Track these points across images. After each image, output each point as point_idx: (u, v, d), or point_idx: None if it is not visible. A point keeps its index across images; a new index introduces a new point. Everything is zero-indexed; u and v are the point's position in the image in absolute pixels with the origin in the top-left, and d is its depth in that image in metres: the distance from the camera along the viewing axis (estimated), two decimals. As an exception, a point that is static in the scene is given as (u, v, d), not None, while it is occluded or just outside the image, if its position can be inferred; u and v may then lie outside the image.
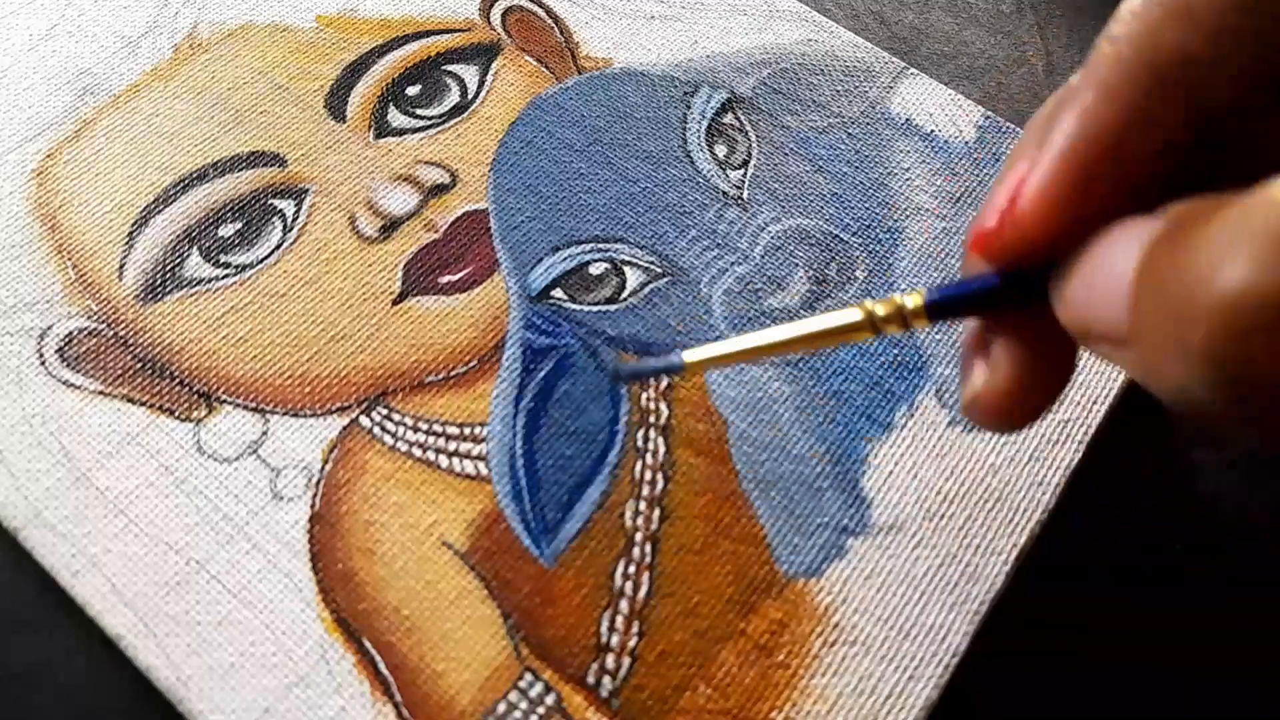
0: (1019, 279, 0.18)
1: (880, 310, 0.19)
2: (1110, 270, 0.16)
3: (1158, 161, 0.17)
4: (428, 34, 0.34)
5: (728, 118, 0.33)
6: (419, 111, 0.32)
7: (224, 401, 0.27)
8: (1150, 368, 0.15)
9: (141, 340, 0.28)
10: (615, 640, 0.24)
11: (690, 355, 0.22)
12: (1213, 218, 0.14)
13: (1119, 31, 0.17)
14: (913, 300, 0.19)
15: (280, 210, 0.30)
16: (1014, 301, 0.19)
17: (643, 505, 0.26)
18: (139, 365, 0.28)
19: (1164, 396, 0.16)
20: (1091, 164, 0.17)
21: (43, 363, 0.28)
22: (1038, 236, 0.17)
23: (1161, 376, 0.15)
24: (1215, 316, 0.13)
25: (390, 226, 0.30)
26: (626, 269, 0.30)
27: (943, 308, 0.19)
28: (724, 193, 0.31)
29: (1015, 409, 0.19)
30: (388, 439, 0.27)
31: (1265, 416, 0.14)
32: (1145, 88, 0.17)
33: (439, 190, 0.31)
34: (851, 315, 0.20)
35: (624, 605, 0.25)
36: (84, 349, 0.28)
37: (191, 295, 0.29)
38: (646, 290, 0.29)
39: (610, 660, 0.24)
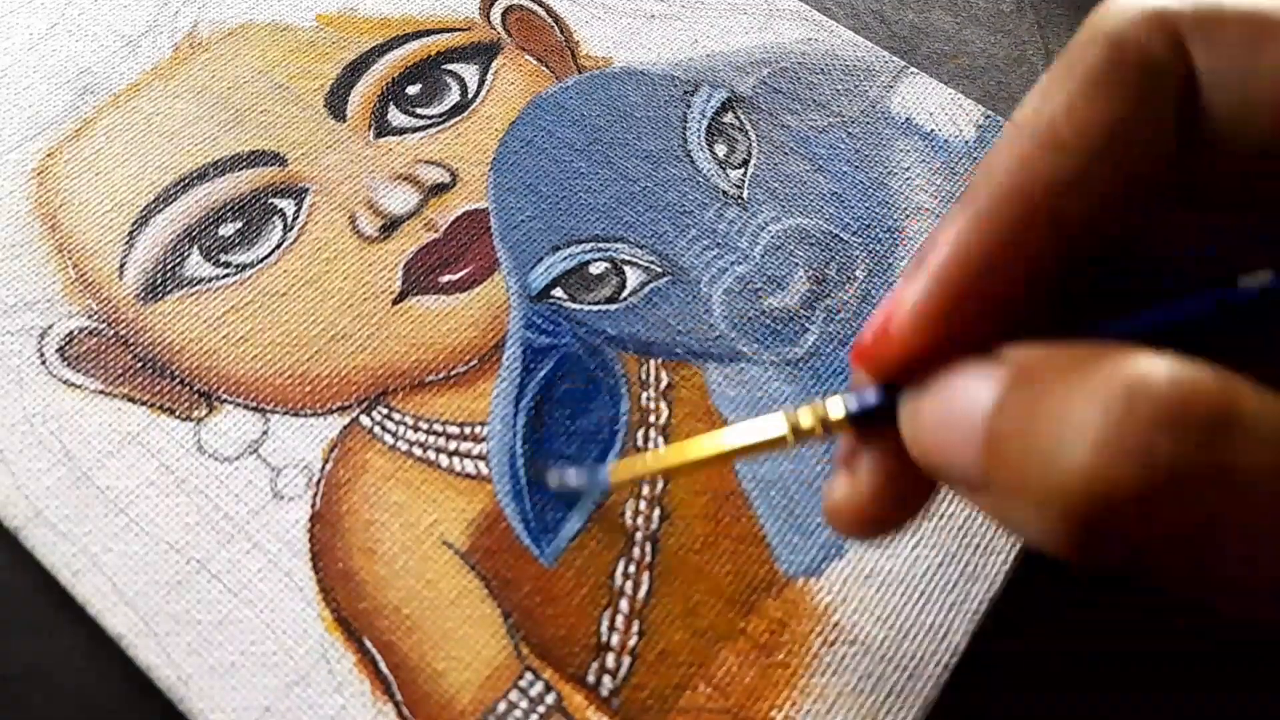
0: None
1: (803, 421, 0.20)
2: (962, 417, 0.17)
3: (1030, 285, 0.18)
4: (428, 33, 0.34)
5: (728, 117, 0.33)
6: (419, 111, 0.32)
7: (224, 401, 0.27)
8: (1005, 517, 0.16)
9: (142, 339, 0.28)
10: (615, 639, 0.24)
11: (615, 474, 0.23)
12: (1058, 382, 0.15)
13: (992, 160, 0.18)
14: (836, 410, 0.19)
15: (280, 209, 0.30)
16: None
17: (643, 505, 0.26)
18: (139, 364, 0.28)
19: (1018, 536, 0.17)
20: (960, 288, 0.18)
21: (43, 362, 0.28)
22: (908, 356, 0.18)
23: (1017, 525, 0.16)
24: (1067, 498, 0.14)
25: (390, 226, 0.30)
26: (626, 268, 0.30)
27: (860, 419, 0.19)
28: (724, 192, 0.31)
29: (869, 522, 0.20)
30: (388, 438, 0.27)
31: (1126, 570, 0.15)
32: (1014, 215, 0.17)
33: (439, 189, 0.31)
34: (775, 429, 0.20)
35: (624, 605, 0.25)
36: (84, 348, 0.28)
37: (192, 294, 0.29)
38: (646, 290, 0.29)
39: (610, 659, 0.24)
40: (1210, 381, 0.14)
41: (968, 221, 0.18)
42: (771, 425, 0.20)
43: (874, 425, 0.19)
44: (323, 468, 0.26)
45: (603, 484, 0.24)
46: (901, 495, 0.20)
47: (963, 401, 0.17)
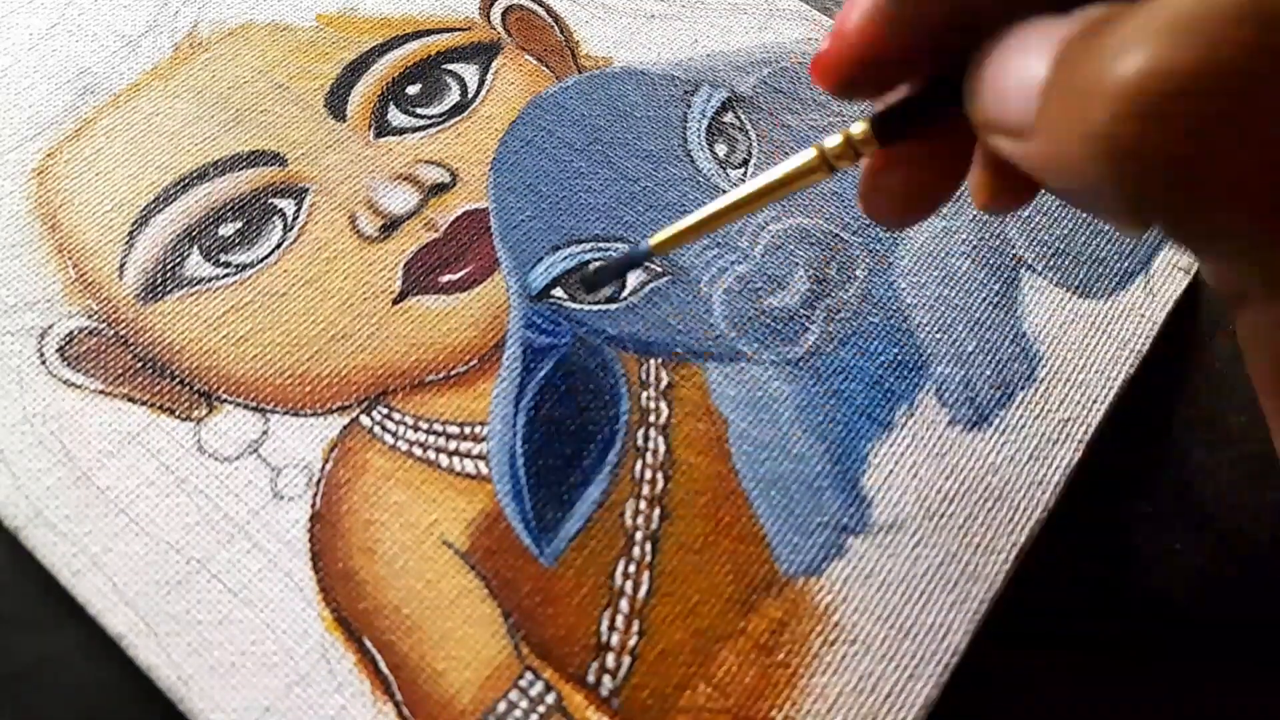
0: (942, 84, 0.19)
1: (830, 144, 0.20)
2: (1022, 65, 0.16)
3: None
4: (428, 33, 0.34)
5: (728, 117, 0.33)
6: (419, 110, 0.32)
7: (224, 401, 0.27)
8: (1050, 157, 0.16)
9: (142, 339, 0.28)
10: (615, 639, 0.24)
11: (656, 238, 0.23)
12: (1125, 16, 0.14)
13: None
14: (858, 127, 0.20)
15: (280, 209, 0.30)
16: (945, 103, 0.19)
17: (643, 504, 0.26)
18: (139, 364, 0.28)
19: (1059, 186, 0.17)
20: None
21: (43, 362, 0.28)
22: (864, 55, 0.18)
23: (1060, 165, 0.16)
24: (1116, 98, 0.14)
25: (390, 226, 0.30)
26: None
27: (886, 124, 0.19)
28: (724, 192, 0.31)
29: (910, 206, 0.21)
30: (388, 438, 0.27)
31: (1154, 200, 0.14)
32: None
33: (439, 189, 0.31)
34: (806, 155, 0.20)
35: (624, 604, 0.25)
36: (84, 348, 0.28)
37: (192, 294, 0.29)
38: (647, 289, 0.29)
39: (610, 659, 0.24)
40: None
41: None
42: (801, 156, 0.21)
43: (896, 131, 0.19)
44: (323, 468, 0.26)
45: (644, 251, 0.24)
46: (932, 184, 0.20)
47: (1034, 50, 0.16)
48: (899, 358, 0.29)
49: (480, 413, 0.27)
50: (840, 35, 0.18)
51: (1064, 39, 0.15)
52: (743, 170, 0.32)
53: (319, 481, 0.26)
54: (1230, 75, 0.13)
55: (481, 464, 0.27)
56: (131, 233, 0.30)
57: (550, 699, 0.24)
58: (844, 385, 0.28)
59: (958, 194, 0.32)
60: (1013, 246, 0.31)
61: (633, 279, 0.30)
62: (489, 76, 0.33)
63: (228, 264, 0.29)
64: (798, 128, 0.33)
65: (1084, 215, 0.31)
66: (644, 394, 0.28)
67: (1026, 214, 0.31)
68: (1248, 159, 0.13)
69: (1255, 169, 0.13)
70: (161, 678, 0.24)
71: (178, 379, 0.28)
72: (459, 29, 0.34)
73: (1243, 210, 0.14)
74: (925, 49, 0.18)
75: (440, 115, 0.32)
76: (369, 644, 0.24)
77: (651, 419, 0.27)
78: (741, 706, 0.24)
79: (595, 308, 0.29)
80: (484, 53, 0.34)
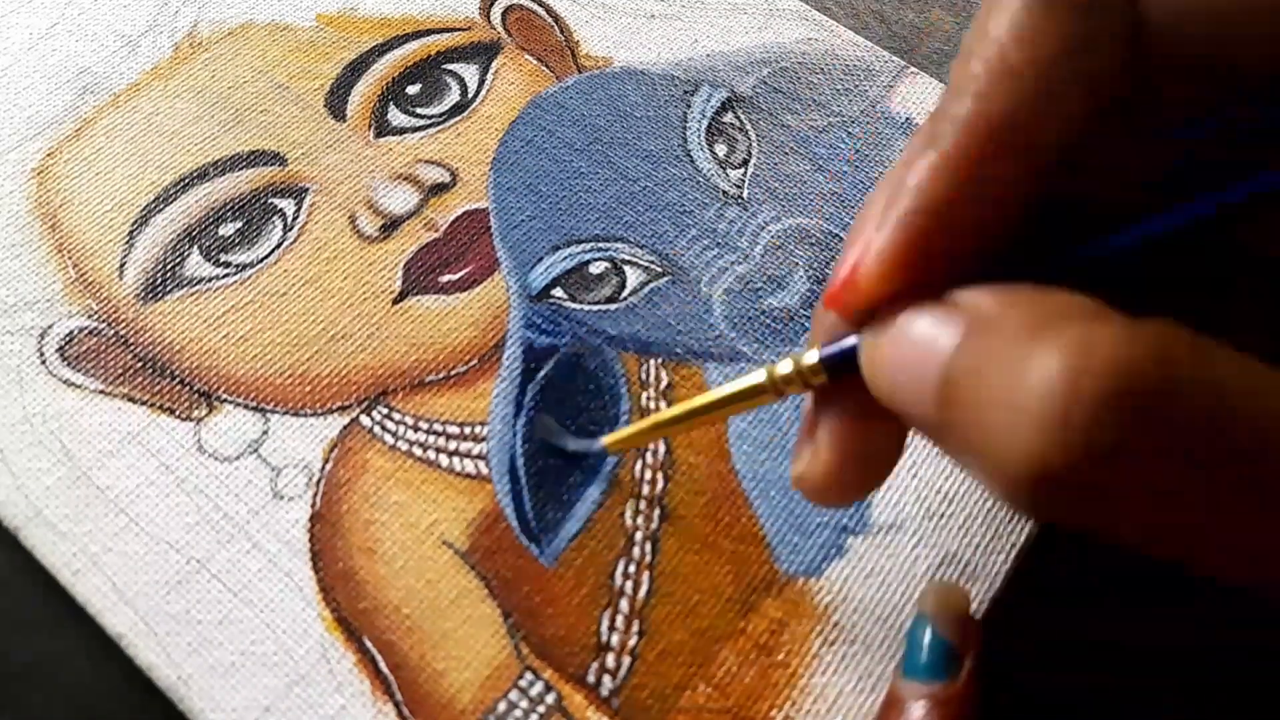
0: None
1: (781, 369, 0.20)
2: (920, 360, 0.17)
3: (998, 222, 0.18)
4: (428, 33, 0.34)
5: (728, 117, 0.33)
6: (419, 110, 0.32)
7: (224, 400, 0.27)
8: (963, 464, 0.17)
9: (142, 339, 0.28)
10: (615, 639, 0.24)
11: (608, 439, 0.25)
12: (1011, 342, 0.15)
13: (946, 101, 0.18)
14: (810, 357, 0.20)
15: (280, 209, 0.30)
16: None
17: (643, 505, 0.26)
18: (139, 364, 0.28)
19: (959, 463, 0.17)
20: (926, 232, 0.18)
21: (43, 362, 0.28)
22: (876, 301, 0.18)
23: (974, 474, 0.17)
24: (1015, 467, 0.15)
25: (390, 225, 0.30)
26: (626, 268, 0.30)
27: (836, 362, 0.19)
28: (724, 192, 0.31)
29: (835, 489, 0.21)
30: (388, 438, 0.27)
31: (1082, 529, 0.16)
32: (977, 151, 0.17)
33: (439, 189, 0.31)
34: (755, 377, 0.21)
35: (624, 604, 0.25)
36: (84, 348, 0.28)
37: (192, 294, 0.29)
38: (647, 289, 0.29)
39: (610, 659, 0.24)
40: (1152, 347, 0.14)
41: (930, 163, 0.18)
42: (752, 376, 0.21)
43: (846, 371, 0.19)
44: (323, 467, 0.26)
45: (597, 449, 0.25)
46: (864, 459, 0.20)
47: (921, 345, 0.17)
48: (899, 358, 0.29)
49: (480, 413, 0.27)
50: (853, 281, 0.18)
51: (956, 347, 0.16)
52: (742, 170, 0.32)
53: (319, 481, 0.26)
54: (1108, 460, 0.14)
55: (481, 464, 0.27)
56: (131, 232, 0.30)
57: (550, 699, 0.24)
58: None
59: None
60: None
61: (633, 279, 0.30)
62: (489, 76, 0.33)
63: (228, 264, 0.29)
64: (797, 128, 0.33)
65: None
66: (644, 394, 0.28)
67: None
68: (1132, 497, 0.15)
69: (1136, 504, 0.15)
70: (161, 677, 0.24)
71: (178, 379, 0.28)
72: (459, 29, 0.34)
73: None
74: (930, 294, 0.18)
75: (440, 115, 0.32)
76: (369, 644, 0.24)
77: (651, 419, 0.27)
78: (741, 706, 0.24)
79: (595, 308, 0.29)
80: (484, 53, 0.34)
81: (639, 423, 0.24)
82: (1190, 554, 0.15)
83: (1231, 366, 0.14)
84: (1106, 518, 0.15)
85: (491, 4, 0.35)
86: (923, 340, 0.17)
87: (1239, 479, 0.14)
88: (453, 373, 0.28)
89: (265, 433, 0.27)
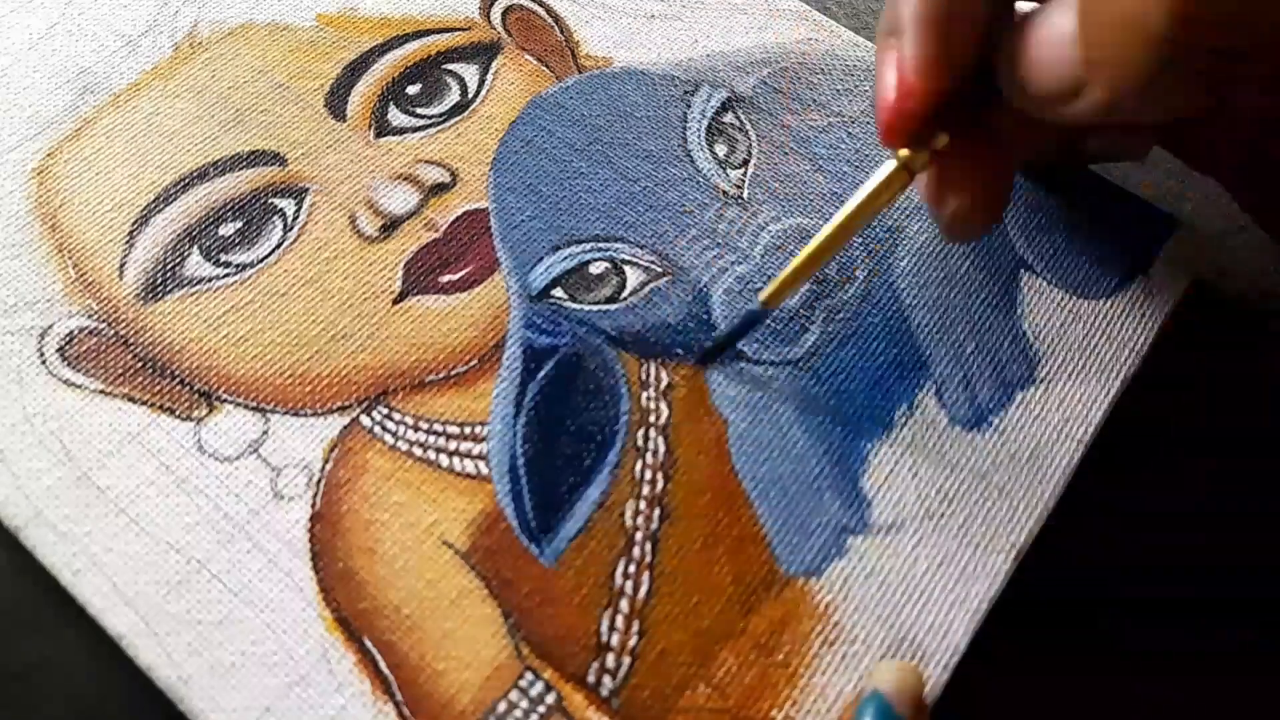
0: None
1: (905, 152, 0.24)
2: (1050, 35, 0.20)
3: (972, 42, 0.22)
4: (428, 33, 0.34)
5: (728, 117, 0.33)
6: (419, 110, 0.32)
7: (225, 400, 0.27)
8: (1110, 83, 0.19)
9: (142, 339, 0.28)
10: (615, 639, 0.24)
11: (764, 292, 0.27)
12: None
13: None
14: (939, 141, 0.24)
15: (280, 209, 0.30)
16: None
17: (643, 505, 0.26)
18: (140, 364, 0.28)
19: (1123, 113, 0.20)
20: (943, 38, 0.22)
21: (43, 362, 0.28)
22: (929, 103, 0.22)
23: (1122, 85, 0.19)
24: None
25: (391, 226, 0.30)
26: (627, 268, 0.30)
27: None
28: (724, 192, 0.31)
29: (979, 217, 0.25)
30: (388, 438, 0.27)
31: (1222, 50, 0.18)
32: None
33: (439, 189, 0.31)
34: (887, 167, 0.25)
35: (624, 605, 0.25)
36: (85, 348, 0.28)
37: (192, 294, 0.29)
38: (647, 289, 0.29)
39: (610, 659, 0.24)
40: None
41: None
42: (884, 167, 0.25)
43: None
44: (323, 468, 0.26)
45: (756, 313, 0.27)
46: (995, 189, 0.25)
47: (1056, 21, 0.20)
48: (899, 358, 0.29)
49: (480, 413, 0.27)
50: (905, 94, 0.23)
51: None
52: (742, 170, 0.32)
53: (319, 481, 0.26)
54: None
55: (482, 464, 0.27)
56: (131, 232, 0.30)
57: (550, 699, 0.24)
58: (844, 385, 0.28)
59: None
60: (1013, 247, 0.31)
61: (633, 279, 0.30)
62: (489, 76, 0.33)
63: (228, 264, 0.29)
64: (798, 128, 0.33)
65: (1084, 216, 0.31)
66: (644, 394, 0.28)
67: (1026, 214, 0.31)
68: None
69: None
70: (161, 678, 0.24)
71: (178, 379, 0.28)
72: (459, 29, 0.34)
73: None
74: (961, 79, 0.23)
75: (440, 115, 0.32)
76: (369, 644, 0.24)
77: (652, 419, 0.27)
78: (741, 706, 0.24)
79: (595, 308, 0.29)
80: (484, 53, 0.34)
81: (790, 264, 0.26)
82: None
83: None
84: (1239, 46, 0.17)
85: (491, 4, 0.35)
86: (1053, 26, 0.20)
87: None
88: (453, 373, 0.28)
89: (265, 433, 0.27)
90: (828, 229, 0.25)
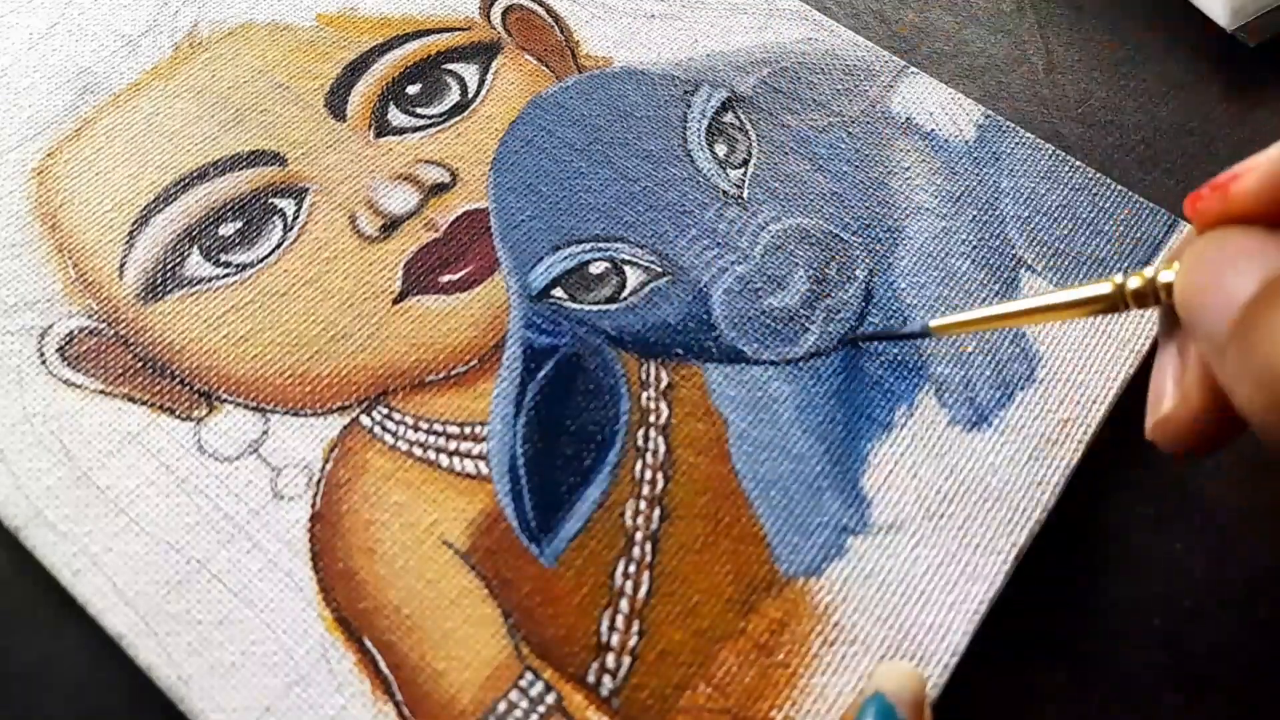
0: None
1: (1131, 284, 0.22)
2: (1225, 289, 0.19)
3: None
4: (428, 33, 0.34)
5: (728, 117, 0.33)
6: (419, 110, 0.32)
7: (225, 400, 0.27)
8: (1232, 387, 0.19)
9: (142, 339, 0.28)
10: (615, 639, 0.24)
11: (936, 321, 0.26)
12: None
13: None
14: (1165, 275, 0.21)
15: (280, 209, 0.30)
16: None
17: (643, 505, 0.26)
18: (140, 364, 0.28)
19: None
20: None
21: (43, 362, 0.28)
22: (1237, 212, 0.20)
23: (1239, 398, 0.19)
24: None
25: (391, 225, 0.30)
26: (627, 268, 0.30)
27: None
28: (724, 192, 0.31)
29: (1199, 434, 0.22)
30: (388, 438, 0.27)
31: None
32: None
33: (439, 189, 0.31)
34: (1100, 288, 0.23)
35: (624, 605, 0.25)
36: (85, 348, 0.28)
37: (192, 294, 0.29)
38: (647, 289, 0.29)
39: (610, 659, 0.24)
40: None
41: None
42: (1097, 286, 0.23)
43: None
44: (323, 467, 0.26)
45: (922, 332, 0.27)
46: (1219, 416, 0.21)
47: (1233, 274, 0.19)
48: (899, 358, 0.29)
49: (480, 413, 0.27)
50: (1225, 190, 0.21)
51: (1248, 301, 0.19)
52: (742, 170, 0.32)
53: (319, 481, 0.26)
54: None
55: (481, 464, 0.27)
56: (131, 232, 0.30)
57: (550, 699, 0.24)
58: (844, 385, 0.28)
59: (954, 195, 0.32)
60: (1013, 247, 0.31)
61: (633, 279, 0.30)
62: (489, 76, 0.33)
63: (228, 264, 0.29)
64: (797, 128, 0.33)
65: (1084, 216, 0.31)
66: (644, 394, 0.28)
67: (1026, 214, 0.31)
68: None
69: None
70: (161, 677, 0.24)
71: (178, 379, 0.28)
72: (459, 29, 0.34)
73: None
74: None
75: (440, 115, 0.32)
76: (369, 644, 0.24)
77: (652, 419, 0.27)
78: (741, 706, 0.24)
79: (595, 308, 0.29)
80: (484, 53, 0.34)
81: (971, 311, 0.26)
82: None
83: None
84: None
85: (491, 4, 0.35)
86: (1237, 268, 0.19)
87: None
88: (453, 373, 0.28)
89: (265, 433, 0.27)
90: (1036, 302, 0.24)
